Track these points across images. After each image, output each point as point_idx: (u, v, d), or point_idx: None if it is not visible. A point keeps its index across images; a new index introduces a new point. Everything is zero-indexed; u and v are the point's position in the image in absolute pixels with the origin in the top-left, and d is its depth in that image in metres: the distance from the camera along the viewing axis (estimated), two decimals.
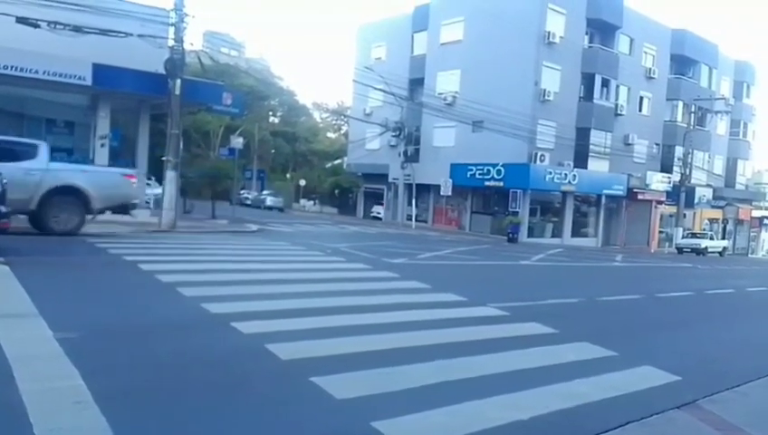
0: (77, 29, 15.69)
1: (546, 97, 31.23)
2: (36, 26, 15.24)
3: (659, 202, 38.51)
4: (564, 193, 32.65)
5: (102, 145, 17.85)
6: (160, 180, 20.89)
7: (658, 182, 37.58)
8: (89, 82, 16.16)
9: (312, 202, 50.71)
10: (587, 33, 34.07)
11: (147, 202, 20.19)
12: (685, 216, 39.11)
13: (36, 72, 15.48)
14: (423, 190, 35.57)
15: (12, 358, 4.51)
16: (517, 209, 30.56)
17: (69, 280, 8.29)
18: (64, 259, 10.27)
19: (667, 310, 10.63)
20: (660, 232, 39.76)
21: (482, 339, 6.46)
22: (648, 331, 8.33)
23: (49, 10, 15.24)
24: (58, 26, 15.56)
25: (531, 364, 5.61)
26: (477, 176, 32.38)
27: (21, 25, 14.93)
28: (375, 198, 41.32)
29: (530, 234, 31.47)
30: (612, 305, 10.22)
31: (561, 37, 31.57)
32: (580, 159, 32.99)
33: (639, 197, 36.75)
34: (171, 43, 17.13)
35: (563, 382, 5.11)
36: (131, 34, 16.15)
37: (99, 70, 16.16)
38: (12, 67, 15.15)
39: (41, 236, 12.69)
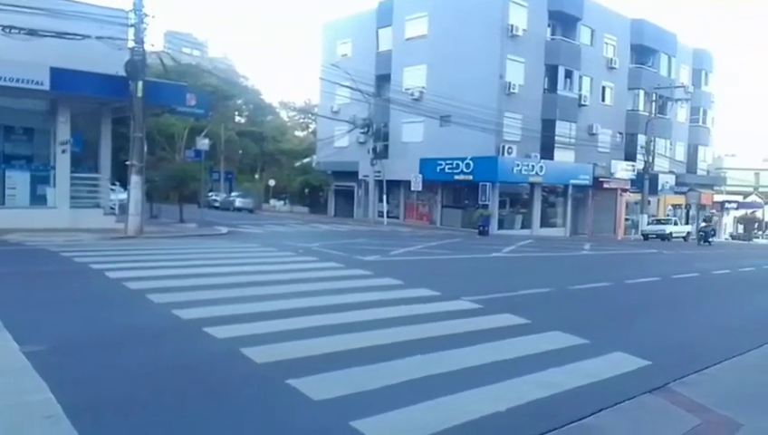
0: (32, 32, 15.22)
1: (511, 90, 31.53)
2: None
3: (624, 190, 39.27)
4: (532, 184, 33.04)
5: (63, 151, 17.36)
6: (125, 185, 20.44)
7: (623, 170, 38.31)
8: (47, 86, 15.66)
9: (282, 202, 50.28)
10: (549, 26, 34.46)
11: (111, 208, 19.75)
12: (649, 203, 39.95)
13: None
14: (393, 186, 35.58)
15: None
16: (487, 202, 30.81)
17: (34, 291, 8.07)
18: (29, 269, 10.00)
19: (636, 296, 10.86)
20: (626, 219, 40.57)
21: (457, 333, 6.52)
22: (618, 317, 8.51)
23: (2, 14, 14.75)
24: (12, 30, 15.07)
25: (506, 355, 5.68)
26: (447, 170, 32.54)
27: None
28: (345, 195, 41.20)
29: (500, 226, 31.78)
30: (583, 294, 10.39)
31: (524, 30, 31.88)
32: (547, 151, 33.42)
33: (605, 185, 37.42)
34: (131, 44, 16.75)
35: (538, 372, 5.19)
36: (89, 36, 15.71)
37: (57, 74, 15.66)
38: None
39: (0, 247, 12.34)
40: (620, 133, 39.56)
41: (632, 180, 38.74)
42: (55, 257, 11.33)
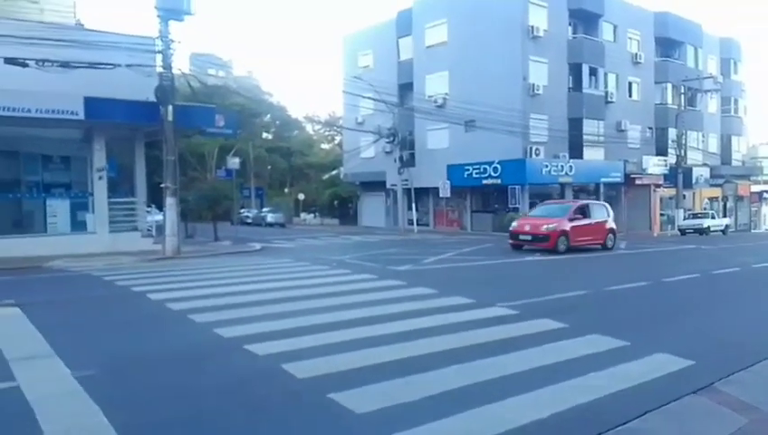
0: (65, 65, 15.75)
1: (535, 91, 31.33)
2: (25, 65, 15.31)
3: (658, 185, 38.55)
4: (563, 185, 32.71)
5: (100, 177, 17.90)
6: (160, 207, 20.94)
7: (655, 166, 37.63)
8: (81, 115, 16.21)
9: (312, 215, 50.74)
10: (570, 24, 34.23)
11: (148, 230, 20.23)
12: (684, 197, 39.13)
13: (29, 110, 15.53)
14: (422, 194, 35.62)
15: (32, 400, 4.57)
16: (517, 205, 30.59)
17: (81, 317, 8.35)
18: (74, 296, 10.32)
19: (675, 294, 10.67)
20: (661, 215, 39.78)
21: (494, 340, 6.52)
22: (657, 317, 8.38)
23: (36, 48, 15.31)
24: (46, 64, 15.63)
25: (545, 361, 5.66)
26: (474, 175, 32.44)
27: (10, 66, 15.01)
28: (375, 206, 41.31)
29: None
30: (620, 295, 10.26)
31: (545, 30, 31.72)
32: (575, 150, 33.09)
33: (637, 182, 36.81)
34: (160, 70, 17.20)
35: (579, 377, 5.16)
36: (119, 65, 16.21)
37: (90, 103, 16.21)
38: (4, 108, 15.20)
39: (45, 274, 12.76)
40: (650, 128, 38.91)
41: (665, 175, 38.04)
42: (98, 282, 11.67)
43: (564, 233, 18.82)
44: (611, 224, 21.22)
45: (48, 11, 24.10)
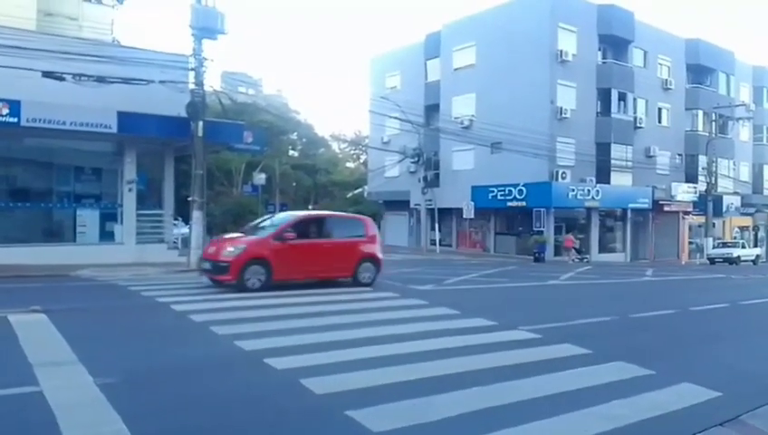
0: (101, 79, 16.20)
1: (563, 115, 31.18)
2: (62, 79, 15.77)
3: (687, 213, 37.87)
4: (589, 209, 32.34)
5: (130, 190, 18.27)
6: (186, 220, 21.24)
7: (684, 193, 37.01)
8: (114, 129, 16.61)
9: None
10: (599, 49, 34.10)
11: (174, 242, 20.51)
12: (714, 225, 38.35)
13: (64, 123, 15.97)
14: (445, 214, 35.53)
15: (55, 406, 4.63)
16: (542, 228, 30.32)
17: (105, 325, 8.47)
18: (99, 304, 10.48)
19: (703, 324, 10.43)
20: (690, 243, 39.02)
21: (515, 363, 6.43)
22: (684, 346, 8.19)
23: (73, 63, 15.79)
24: (82, 78, 16.09)
25: (567, 387, 5.56)
26: (499, 197, 32.28)
27: (47, 79, 15.48)
28: (398, 225, 41.31)
29: (557, 252, 31.15)
30: (646, 322, 10.06)
31: (573, 55, 31.65)
32: (603, 175, 32.75)
33: (666, 208, 36.21)
34: (192, 86, 17.58)
35: (601, 404, 5.06)
36: (153, 81, 16.62)
37: (123, 117, 16.62)
38: (40, 120, 15.65)
39: (73, 282, 13.00)
40: (680, 155, 38.37)
41: (694, 203, 37.37)
42: (124, 292, 11.85)
43: (260, 260, 12.17)
44: (371, 248, 14.15)
45: (86, 27, 24.86)
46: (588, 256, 30.28)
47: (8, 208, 16.86)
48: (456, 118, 35.06)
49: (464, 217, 33.26)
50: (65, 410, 4.56)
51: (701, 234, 38.22)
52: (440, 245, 33.89)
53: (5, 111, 15.07)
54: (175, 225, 21.76)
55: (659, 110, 37.28)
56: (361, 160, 63.65)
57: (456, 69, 36.35)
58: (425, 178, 34.40)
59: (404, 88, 39.56)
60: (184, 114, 17.19)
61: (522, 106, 30.80)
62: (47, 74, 15.46)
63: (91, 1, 32.01)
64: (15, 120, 15.22)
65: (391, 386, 5.39)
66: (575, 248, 30.31)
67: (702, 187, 37.11)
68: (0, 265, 14.62)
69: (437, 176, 37.14)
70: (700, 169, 37.80)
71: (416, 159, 34.41)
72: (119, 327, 8.35)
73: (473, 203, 32.39)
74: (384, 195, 41.22)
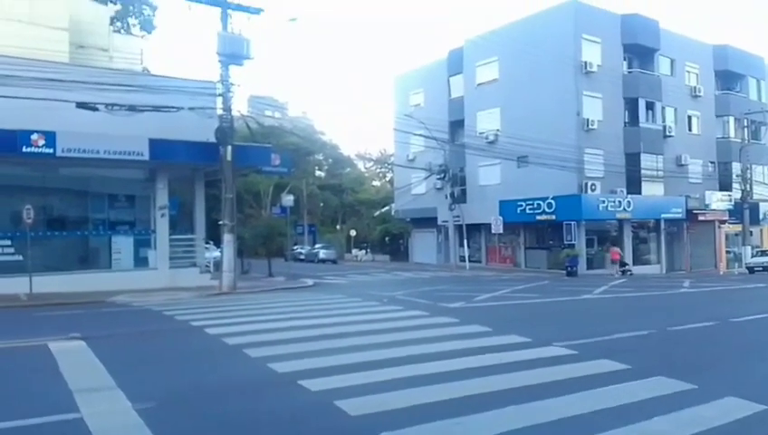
0: (132, 108, 16.65)
1: (590, 126, 30.89)
2: (95, 110, 16.26)
3: (722, 222, 36.95)
4: (620, 221, 31.82)
5: (162, 215, 18.63)
6: (217, 243, 21.54)
7: (719, 201, 36.16)
8: (146, 156, 17.02)
9: (363, 251, 51.02)
10: (625, 59, 33.80)
11: (206, 266, 20.79)
12: (751, 233, 37.32)
13: (97, 152, 16.42)
14: (473, 230, 35.34)
15: (95, 431, 4.71)
16: (573, 241, 29.90)
17: (142, 350, 8.60)
18: (135, 330, 10.66)
19: (745, 335, 10.11)
20: (727, 252, 37.99)
21: (551, 381, 6.31)
22: (726, 359, 7.95)
23: (105, 93, 16.27)
24: (115, 107, 16.55)
25: (605, 404, 5.43)
26: (528, 211, 32.00)
27: (81, 110, 15.96)
28: (426, 242, 41.19)
29: (589, 266, 30.63)
30: (685, 335, 9.80)
31: (598, 65, 31.42)
32: (633, 185, 32.24)
33: (700, 218, 35.40)
34: (220, 112, 17.93)
35: (642, 421, 4.93)
36: (183, 108, 17.00)
37: (155, 144, 17.02)
38: (75, 150, 16.13)
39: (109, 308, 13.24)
40: (712, 162, 37.60)
41: (730, 211, 36.45)
42: (159, 317, 12.03)
43: None
44: None
45: (117, 58, 25.66)
46: (631, 269, 29.72)
47: (45, 237, 17.33)
48: (480, 133, 35.02)
49: (492, 232, 33.03)
50: None
51: (738, 243, 37.21)
52: (469, 261, 33.67)
53: (41, 142, 15.58)
54: (206, 248, 22.07)
55: (689, 117, 36.68)
56: (387, 179, 63.89)
57: (479, 84, 36.39)
58: (451, 195, 34.31)
59: (428, 105, 39.73)
60: (213, 139, 17.53)
61: (547, 119, 30.63)
62: (81, 105, 15.95)
63: (121, 32, 33.08)
64: (51, 150, 15.73)
65: (425, 406, 5.34)
66: (621, 261, 29.82)
67: (737, 194, 36.22)
68: (39, 293, 15.02)
69: (464, 192, 37.03)
70: (734, 176, 36.94)
71: (442, 175, 34.40)
72: (155, 352, 8.47)
73: (501, 218, 32.15)
74: (411, 212, 41.22)
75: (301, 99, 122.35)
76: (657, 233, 34.37)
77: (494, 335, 9.17)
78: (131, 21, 37.20)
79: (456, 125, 37.75)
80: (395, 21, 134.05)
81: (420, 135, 34.46)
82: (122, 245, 18.51)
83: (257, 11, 18.13)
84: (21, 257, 16.09)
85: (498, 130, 34.16)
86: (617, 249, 30.42)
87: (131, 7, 37.01)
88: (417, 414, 5.08)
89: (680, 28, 52.60)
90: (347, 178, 64.55)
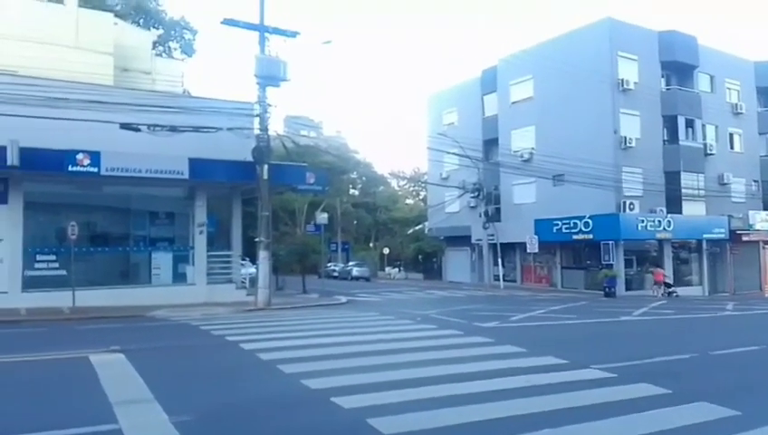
0: (173, 129, 17.10)
1: (628, 144, 30.38)
2: (138, 130, 16.76)
3: (767, 242, 35.77)
4: (660, 241, 31.05)
5: (201, 232, 19.01)
6: (253, 260, 21.82)
7: (763, 221, 35.02)
8: (186, 175, 17.45)
9: (396, 269, 50.97)
10: (663, 76, 33.22)
11: (242, 282, 21.06)
12: None
13: (140, 171, 16.92)
14: (508, 249, 34.96)
15: None
16: (611, 262, 29.27)
17: (179, 364, 8.75)
18: (173, 344, 10.86)
19: None
20: None
21: (589, 404, 6.18)
22: None
23: (147, 114, 16.79)
24: (156, 128, 17.04)
25: (645, 429, 5.30)
26: (564, 230, 31.53)
27: (124, 130, 16.48)
28: (460, 261, 40.92)
29: (628, 287, 29.92)
30: (729, 359, 9.47)
31: (635, 83, 30.97)
32: (674, 204, 31.47)
33: (744, 238, 34.31)
34: (257, 132, 18.28)
35: None
36: (221, 129, 17.39)
37: (195, 163, 17.45)
38: (118, 169, 16.66)
39: (148, 322, 13.51)
40: (756, 181, 36.49)
41: None
42: (196, 331, 12.23)
43: None
44: None
45: (159, 80, 26.51)
46: (677, 291, 28.95)
47: (89, 253, 17.85)
48: (515, 151, 34.80)
49: (527, 251, 32.61)
50: None
51: None
52: (504, 280, 33.28)
53: (87, 161, 16.13)
54: (243, 265, 22.38)
55: (731, 135, 35.75)
56: (420, 197, 63.85)
57: (513, 102, 36.26)
58: (486, 213, 34.08)
59: (461, 123, 39.73)
60: (250, 159, 17.86)
61: (583, 137, 30.26)
62: (124, 126, 16.46)
63: (163, 56, 34.19)
64: (96, 169, 16.26)
65: (458, 427, 5.30)
66: (665, 283, 29.10)
67: None
68: (81, 307, 15.45)
69: (498, 210, 36.74)
70: None
71: (476, 193, 34.23)
72: (192, 366, 8.61)
73: (536, 237, 31.74)
74: (445, 231, 41.07)
75: (335, 118, 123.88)
76: (698, 253, 33.42)
77: (530, 356, 9.04)
78: (173, 45, 38.47)
79: (490, 143, 37.62)
80: (429, 41, 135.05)
81: (454, 153, 34.42)
82: (162, 261, 18.92)
83: (294, 34, 18.51)
84: (65, 272, 16.59)
85: (533, 148, 33.89)
86: (661, 270, 29.68)
87: (173, 32, 38.30)
88: (451, 434, 5.03)
89: (719, 44, 51.65)
90: (380, 197, 64.79)
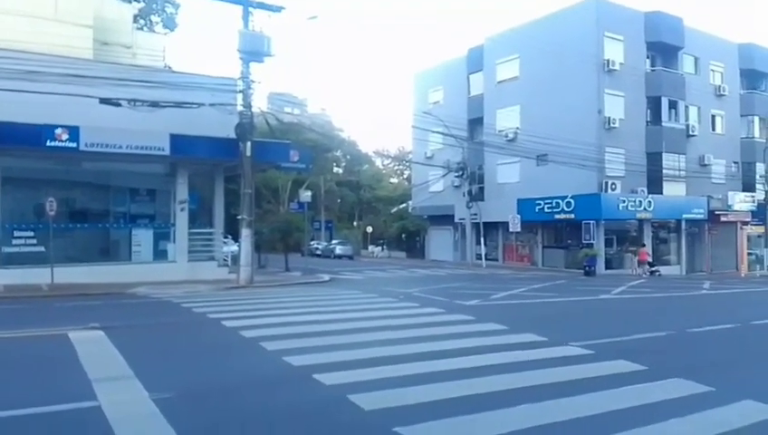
0: (154, 104, 16.84)
1: (611, 124, 30.54)
2: (118, 105, 16.47)
3: (745, 223, 36.31)
4: (641, 221, 31.42)
5: (182, 209, 18.84)
6: (236, 238, 21.73)
7: (741, 202, 35.56)
8: (167, 151, 17.22)
9: (380, 248, 51.07)
10: (648, 57, 33.31)
11: (224, 260, 20.98)
12: None
13: (120, 146, 16.66)
14: (491, 228, 35.18)
15: (112, 419, 4.80)
16: (591, 241, 29.60)
17: (160, 341, 8.73)
18: (154, 321, 10.82)
19: (765, 338, 9.96)
20: (749, 254, 37.31)
21: (567, 380, 6.28)
22: (745, 362, 7.83)
23: (128, 89, 16.49)
24: (137, 103, 16.76)
25: (621, 405, 5.40)
26: (546, 210, 31.75)
27: (104, 105, 16.19)
28: (443, 239, 41.12)
29: (608, 266, 30.33)
30: (704, 337, 9.67)
31: (620, 63, 31.02)
32: (655, 185, 31.80)
33: (723, 219, 34.84)
34: (240, 108, 18.06)
35: (658, 423, 4.89)
36: (203, 104, 17.17)
37: (176, 140, 17.22)
38: (98, 144, 16.39)
39: (129, 299, 13.41)
40: (736, 163, 36.97)
41: (753, 212, 35.83)
42: (177, 309, 12.19)
43: None
44: None
45: (140, 55, 25.94)
46: (660, 270, 29.40)
47: (68, 230, 17.63)
48: (500, 131, 34.82)
49: (510, 230, 32.82)
50: (122, 424, 4.70)
51: (761, 244, 36.57)
52: (486, 259, 33.54)
53: (65, 136, 15.85)
54: (225, 242, 22.27)
55: (713, 117, 36.08)
56: (405, 176, 63.88)
57: (499, 82, 36.18)
58: (469, 192, 34.18)
59: (447, 102, 39.59)
60: (233, 135, 17.68)
61: (568, 117, 30.33)
62: (104, 101, 16.17)
63: (144, 30, 33.45)
64: (75, 144, 15.99)
65: (439, 403, 5.35)
66: (648, 262, 29.52)
67: (760, 195, 35.56)
68: (61, 283, 15.29)
69: (482, 189, 36.88)
70: (758, 177, 36.27)
71: (460, 173, 34.28)
72: (172, 343, 8.59)
73: (519, 216, 31.94)
74: (428, 210, 41.15)
75: (320, 96, 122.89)
76: (677, 233, 33.90)
77: (510, 334, 9.14)
78: (154, 18, 37.61)
79: (475, 123, 37.59)
80: (415, 18, 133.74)
81: (439, 132, 34.34)
82: (142, 238, 18.76)
83: (278, 9, 18.21)
84: (43, 249, 16.39)
85: (518, 127, 33.94)
86: (645, 250, 30.11)
87: (154, 5, 37.43)
88: (431, 410, 5.09)
89: (705, 26, 52.03)
90: (365, 175, 64.65)
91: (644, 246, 30.50)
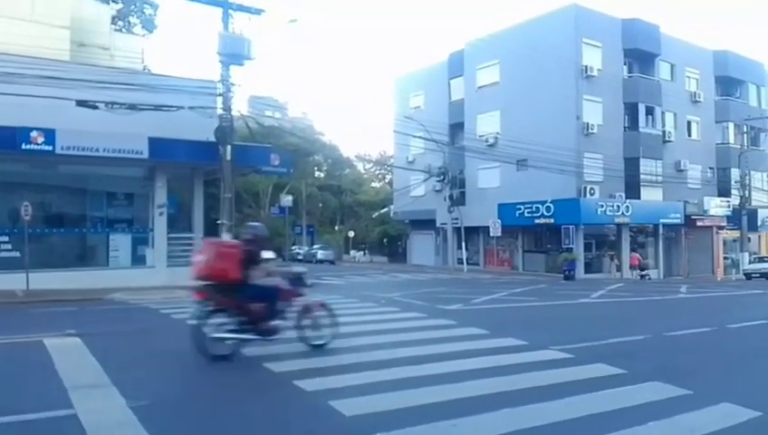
0: (132, 107, 16.63)
1: (590, 130, 30.94)
2: (95, 108, 16.23)
3: (720, 227, 37.02)
4: (619, 225, 31.85)
5: (161, 214, 18.61)
6: None
7: (717, 207, 36.24)
8: (146, 155, 16.99)
9: (361, 253, 51.06)
10: (625, 64, 33.86)
11: None
12: (749, 240, 37.40)
13: (97, 150, 16.39)
14: (472, 233, 35.36)
15: (89, 428, 4.71)
16: (571, 245, 29.93)
17: (137, 348, 8.58)
18: (131, 327, 10.65)
19: (742, 342, 10.10)
20: (725, 258, 38.06)
21: (547, 384, 6.31)
22: (722, 365, 7.95)
23: (106, 91, 16.25)
24: (115, 106, 16.53)
25: (600, 408, 5.44)
26: (526, 214, 32.03)
27: (81, 108, 15.94)
28: (424, 244, 41.20)
29: (587, 270, 30.67)
30: (682, 340, 9.79)
31: (599, 70, 31.47)
32: (632, 190, 32.28)
33: (699, 223, 35.47)
34: (220, 111, 17.90)
35: (636, 426, 4.93)
36: (183, 107, 16.97)
37: (154, 143, 17.00)
38: (74, 147, 16.10)
39: (106, 306, 13.21)
40: (711, 168, 37.68)
41: (728, 217, 36.56)
42: (155, 315, 12.03)
43: None
44: None
45: (118, 57, 25.64)
46: (650, 274, 29.87)
47: (44, 234, 17.32)
48: (480, 136, 35.07)
49: (491, 235, 33.05)
50: (99, 432, 4.63)
51: (736, 249, 37.29)
52: (467, 263, 33.69)
53: (41, 139, 15.57)
54: None
55: (689, 123, 36.76)
56: (386, 180, 63.90)
57: (479, 87, 36.45)
58: (450, 197, 34.32)
59: (428, 107, 39.78)
60: (213, 139, 17.51)
61: (547, 122, 30.67)
62: (81, 103, 15.93)
63: (122, 31, 33.07)
64: (50, 148, 15.71)
65: (420, 408, 5.34)
66: (639, 267, 29.97)
67: (735, 200, 36.28)
68: (36, 289, 15.00)
69: (463, 194, 37.07)
70: (733, 182, 37.01)
71: (441, 177, 34.41)
72: (150, 350, 8.45)
73: (500, 221, 32.17)
74: (410, 214, 41.24)
75: (301, 100, 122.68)
76: (655, 238, 34.42)
77: (491, 338, 9.17)
78: (133, 20, 37.23)
79: (456, 128, 37.81)
80: (396, 23, 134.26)
81: (420, 137, 34.49)
82: (120, 243, 18.49)
83: (258, 11, 18.11)
84: (18, 254, 16.07)
85: (498, 133, 34.20)
86: (636, 254, 30.63)
87: (133, 6, 37.05)
88: (412, 415, 5.08)
89: (681, 33, 52.91)
90: (346, 180, 64.55)
91: (634, 250, 31.00)
